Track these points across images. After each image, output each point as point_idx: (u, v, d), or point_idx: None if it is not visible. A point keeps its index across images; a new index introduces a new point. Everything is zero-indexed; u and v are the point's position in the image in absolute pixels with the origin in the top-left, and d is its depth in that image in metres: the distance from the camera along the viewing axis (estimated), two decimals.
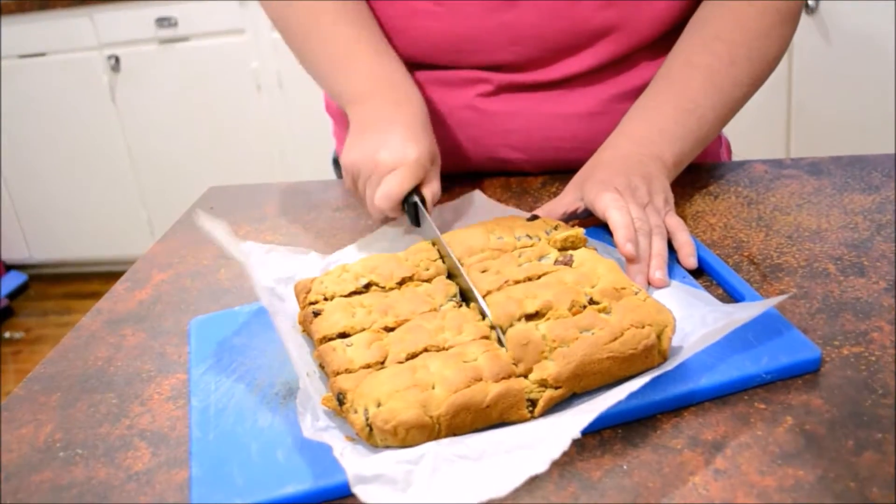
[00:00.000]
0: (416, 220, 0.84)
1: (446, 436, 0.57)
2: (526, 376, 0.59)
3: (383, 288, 0.72)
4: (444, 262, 0.75)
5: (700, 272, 0.76)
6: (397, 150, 0.83)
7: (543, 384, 0.59)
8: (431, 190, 0.85)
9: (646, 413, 0.59)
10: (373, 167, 0.83)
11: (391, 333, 0.65)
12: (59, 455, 0.63)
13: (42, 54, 3.13)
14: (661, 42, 0.96)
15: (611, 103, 0.97)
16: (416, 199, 0.83)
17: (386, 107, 0.89)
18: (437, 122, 1.01)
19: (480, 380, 0.58)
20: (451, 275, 0.73)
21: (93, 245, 3.47)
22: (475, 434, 0.57)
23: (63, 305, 3.42)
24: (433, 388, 0.58)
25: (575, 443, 0.57)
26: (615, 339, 0.60)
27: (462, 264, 0.73)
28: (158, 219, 3.33)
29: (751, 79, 0.90)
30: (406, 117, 0.87)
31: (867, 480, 0.51)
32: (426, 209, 0.83)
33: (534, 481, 0.54)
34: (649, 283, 0.74)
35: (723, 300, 0.72)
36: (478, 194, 0.94)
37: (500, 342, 0.63)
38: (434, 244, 0.77)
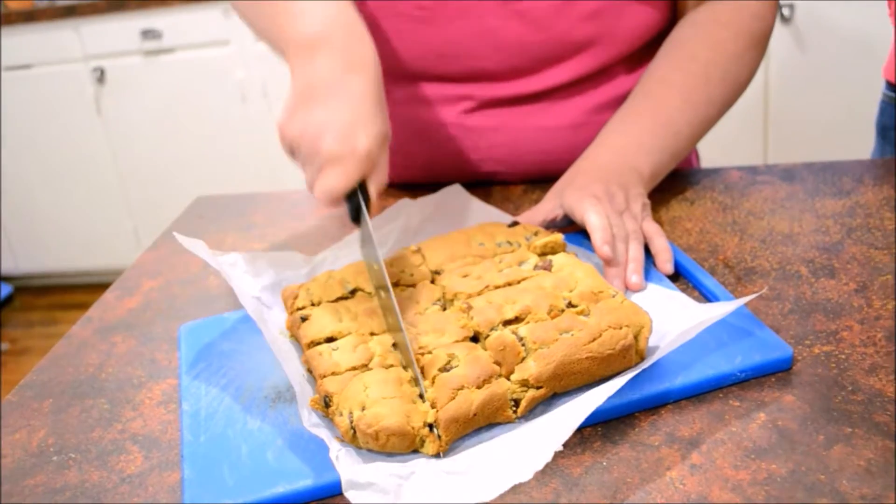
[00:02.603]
0: (356, 219, 0.75)
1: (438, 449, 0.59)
2: (508, 378, 0.61)
3: (369, 294, 0.74)
4: (377, 268, 0.71)
5: (676, 275, 0.78)
6: (344, 137, 0.71)
7: (525, 384, 0.61)
8: (376, 183, 0.75)
9: (625, 412, 0.61)
10: (314, 151, 0.72)
11: (376, 337, 0.67)
12: (52, 459, 0.65)
13: (28, 66, 3.14)
14: (638, 55, 0.99)
15: (591, 114, 1.00)
16: (360, 198, 0.73)
17: (335, 68, 0.75)
18: (423, 139, 1.03)
19: (463, 388, 0.59)
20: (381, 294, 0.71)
21: (79, 256, 3.47)
22: (463, 451, 0.59)
23: (49, 316, 3.42)
24: (415, 402, 0.60)
25: None
26: (594, 339, 0.62)
27: (443, 270, 0.75)
28: (145, 229, 3.33)
29: (724, 98, 0.93)
30: (357, 88, 0.74)
31: (837, 473, 0.53)
32: (370, 206, 0.74)
33: None
34: (626, 287, 0.76)
35: (698, 302, 0.74)
36: (458, 189, 0.95)
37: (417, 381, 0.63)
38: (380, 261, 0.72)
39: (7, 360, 3.13)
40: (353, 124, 0.72)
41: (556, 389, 0.61)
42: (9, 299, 3.61)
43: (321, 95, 0.74)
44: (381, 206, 1.02)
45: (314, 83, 0.75)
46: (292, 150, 0.76)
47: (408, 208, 0.91)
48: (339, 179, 0.71)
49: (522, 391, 0.60)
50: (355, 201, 0.73)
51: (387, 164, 0.76)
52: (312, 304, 0.73)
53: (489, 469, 0.55)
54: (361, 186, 0.74)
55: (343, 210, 0.77)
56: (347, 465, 0.56)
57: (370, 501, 0.52)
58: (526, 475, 0.52)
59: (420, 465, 0.57)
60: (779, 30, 2.42)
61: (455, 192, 0.94)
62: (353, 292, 0.74)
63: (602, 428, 0.60)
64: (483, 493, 0.52)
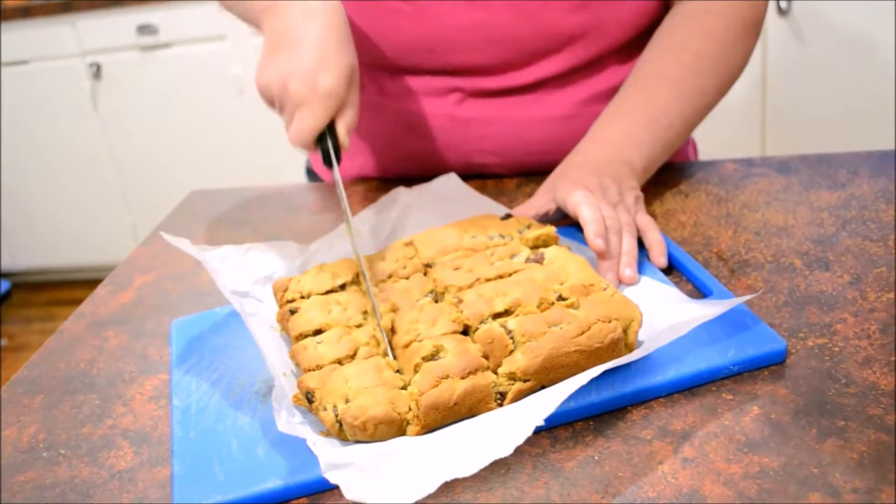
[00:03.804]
0: (328, 161, 0.79)
1: (416, 433, 0.59)
2: (496, 371, 0.61)
3: (360, 287, 0.73)
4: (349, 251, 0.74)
5: (670, 268, 0.78)
6: (308, 78, 0.76)
7: (512, 377, 0.60)
8: (346, 121, 0.79)
9: (616, 405, 0.61)
10: (284, 95, 0.78)
11: (362, 328, 0.67)
12: (42, 455, 0.64)
13: (24, 62, 3.13)
14: (630, 46, 0.98)
15: (582, 106, 0.99)
16: (329, 142, 0.78)
17: (296, 17, 0.80)
18: (414, 130, 1.03)
19: (447, 377, 0.59)
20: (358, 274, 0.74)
21: (76, 252, 3.47)
22: (444, 428, 0.59)
23: (47, 312, 3.42)
24: (400, 387, 0.60)
25: (547, 435, 0.59)
26: (582, 333, 0.61)
27: (435, 263, 0.74)
28: (142, 224, 3.33)
29: (716, 88, 0.93)
30: (316, 32, 0.79)
31: (830, 466, 0.53)
32: (341, 142, 0.79)
33: (507, 472, 0.56)
34: (620, 281, 0.75)
35: (692, 296, 0.73)
36: (453, 178, 0.94)
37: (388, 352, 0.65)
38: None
39: (5, 356, 3.13)
40: (315, 65, 0.77)
41: (544, 382, 0.61)
42: (6, 295, 3.61)
43: (284, 44, 0.79)
44: (377, 199, 1.02)
45: (278, 34, 0.81)
46: (268, 99, 0.82)
47: (402, 196, 0.91)
48: (307, 120, 0.77)
49: (509, 384, 0.60)
50: (325, 145, 0.78)
51: (356, 103, 0.81)
52: (302, 297, 0.72)
53: (470, 444, 0.55)
54: (332, 129, 0.79)
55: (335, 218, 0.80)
56: (326, 450, 0.55)
57: (350, 480, 0.52)
58: (507, 450, 0.52)
59: (400, 443, 0.57)
60: (776, 22, 2.42)
61: (449, 181, 0.94)
62: (343, 286, 0.74)
63: (594, 422, 0.60)
64: (463, 468, 0.51)
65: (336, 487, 0.57)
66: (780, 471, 0.53)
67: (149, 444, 0.64)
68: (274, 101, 0.81)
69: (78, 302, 0.90)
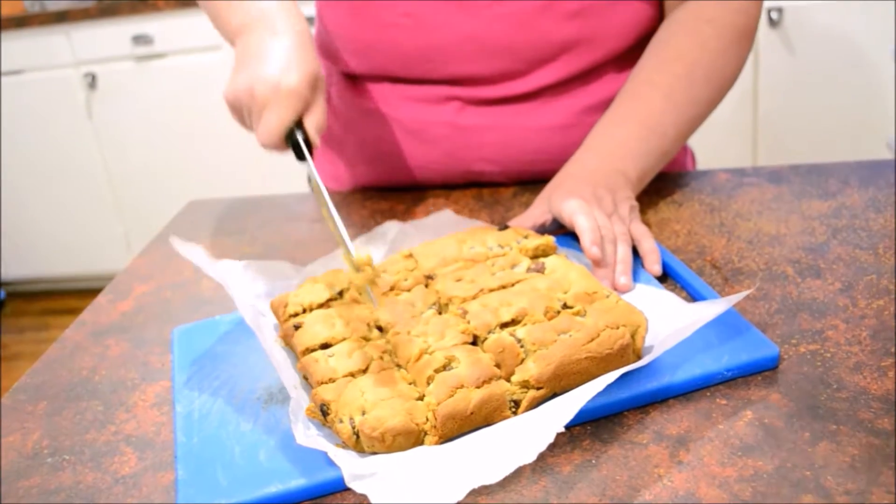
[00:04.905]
0: (300, 156, 0.82)
1: (434, 443, 0.59)
2: (508, 380, 0.62)
3: (357, 294, 0.74)
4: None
5: (664, 276, 0.79)
6: (272, 80, 0.80)
7: (526, 385, 0.61)
8: (314, 121, 0.83)
9: (614, 410, 0.62)
10: (251, 101, 0.82)
11: (372, 342, 0.68)
12: (46, 461, 0.65)
13: (19, 72, 3.13)
14: (627, 56, 1.00)
15: (580, 115, 1.00)
16: (299, 136, 0.81)
17: (265, 36, 0.85)
18: (414, 138, 1.04)
19: (462, 387, 0.60)
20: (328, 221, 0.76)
21: (70, 261, 3.47)
22: (463, 437, 0.60)
23: (40, 322, 3.41)
24: (416, 398, 0.60)
25: None
26: (592, 339, 0.62)
27: (436, 275, 0.75)
28: (135, 234, 3.33)
29: (709, 97, 0.94)
30: (284, 43, 0.84)
31: (822, 469, 0.54)
32: (311, 140, 0.82)
33: (506, 477, 0.57)
34: (615, 288, 0.76)
35: (686, 302, 0.74)
36: (448, 213, 0.94)
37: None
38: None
39: None
40: (279, 71, 0.81)
41: (556, 389, 0.62)
42: (0, 305, 3.60)
43: (251, 59, 0.84)
44: (376, 207, 1.03)
45: (247, 51, 0.86)
46: (237, 111, 0.86)
47: (394, 228, 0.90)
48: (272, 119, 0.80)
49: (523, 392, 0.61)
50: (295, 139, 0.81)
51: (323, 106, 0.85)
52: (304, 310, 0.73)
53: (492, 452, 0.56)
54: (302, 129, 0.82)
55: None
56: (348, 460, 0.56)
57: (377, 489, 0.53)
58: (529, 457, 0.53)
59: (422, 452, 0.57)
60: (767, 33, 2.44)
61: (443, 215, 0.93)
62: (341, 293, 0.74)
63: (591, 426, 0.61)
64: (489, 475, 0.52)
65: (338, 492, 0.58)
66: (774, 474, 0.54)
67: (152, 450, 0.65)
68: (242, 112, 0.85)
69: (72, 311, 0.91)
